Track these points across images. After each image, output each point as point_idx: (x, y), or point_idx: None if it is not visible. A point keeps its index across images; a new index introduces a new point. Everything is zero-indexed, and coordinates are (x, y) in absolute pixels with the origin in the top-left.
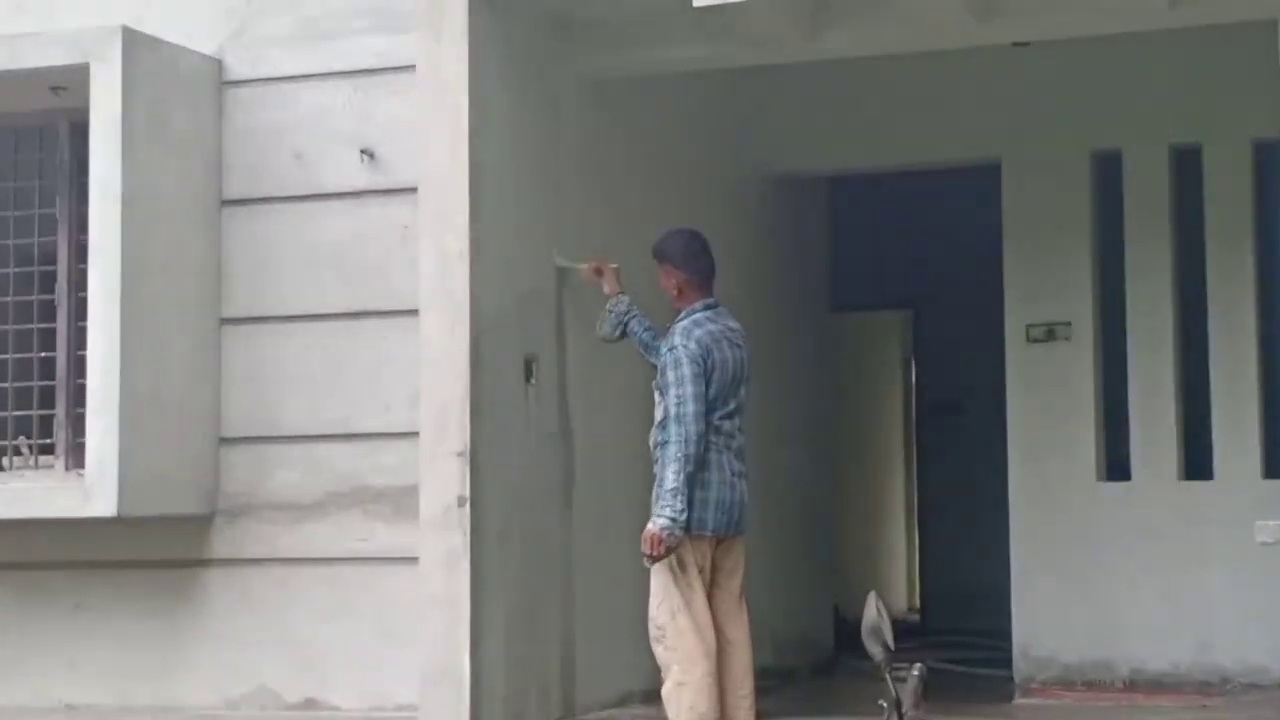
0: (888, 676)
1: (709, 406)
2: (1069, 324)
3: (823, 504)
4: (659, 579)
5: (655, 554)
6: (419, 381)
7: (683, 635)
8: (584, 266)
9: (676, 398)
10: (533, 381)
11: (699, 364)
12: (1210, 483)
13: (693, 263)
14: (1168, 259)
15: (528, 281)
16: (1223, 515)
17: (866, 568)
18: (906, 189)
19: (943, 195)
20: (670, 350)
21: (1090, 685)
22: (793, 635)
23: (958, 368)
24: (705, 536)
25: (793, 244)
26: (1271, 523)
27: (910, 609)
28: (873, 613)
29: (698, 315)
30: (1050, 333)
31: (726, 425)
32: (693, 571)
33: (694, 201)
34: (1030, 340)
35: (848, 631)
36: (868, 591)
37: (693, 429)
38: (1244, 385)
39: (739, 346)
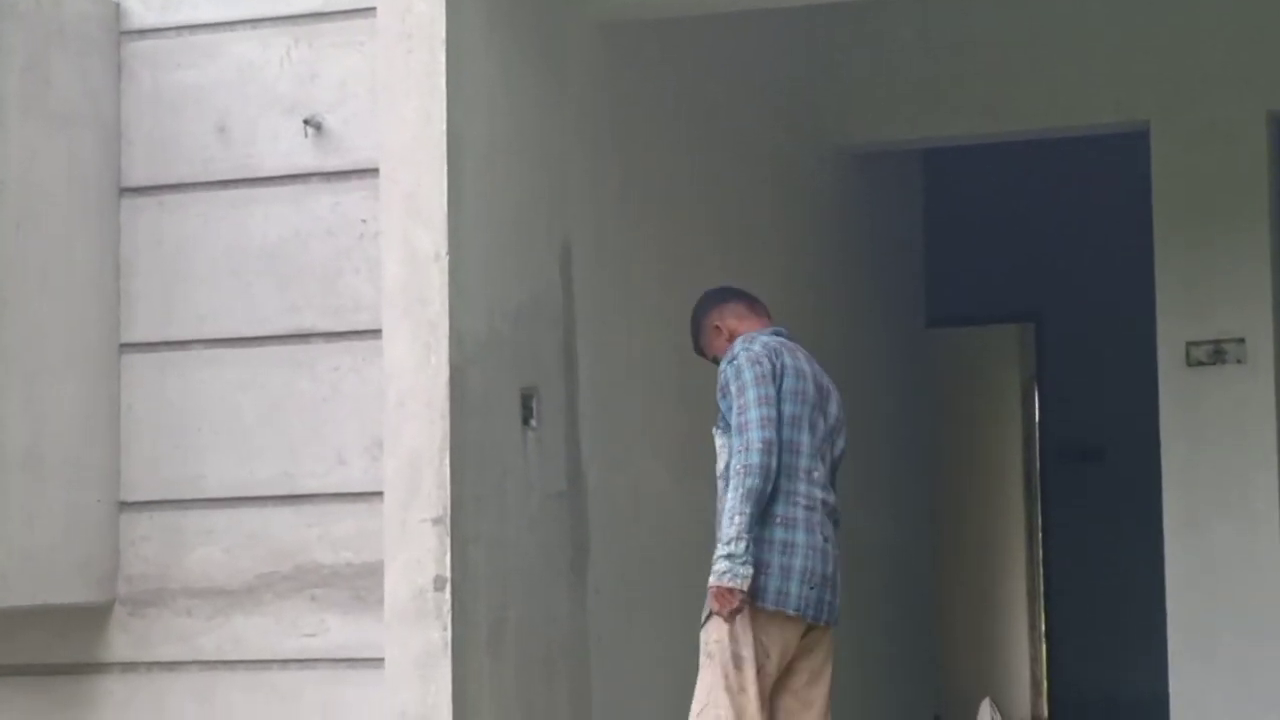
0: None
1: (784, 444)
2: (1242, 341)
3: (919, 582)
4: (706, 676)
5: (729, 609)
6: (383, 425)
7: None
8: None
9: (739, 409)
10: (533, 423)
11: (761, 364)
12: None
13: (733, 295)
14: None
15: (525, 290)
16: None
17: (977, 666)
18: (1025, 165)
19: (1072, 172)
20: (730, 362)
21: None
22: None
23: (1095, 400)
24: (785, 616)
25: (876, 238)
26: None
27: None
28: None
29: (759, 336)
30: (1218, 353)
31: (819, 473)
32: (749, 670)
33: (743, 184)
34: (1191, 363)
35: None
36: (980, 698)
37: (756, 435)
38: None
39: (824, 376)
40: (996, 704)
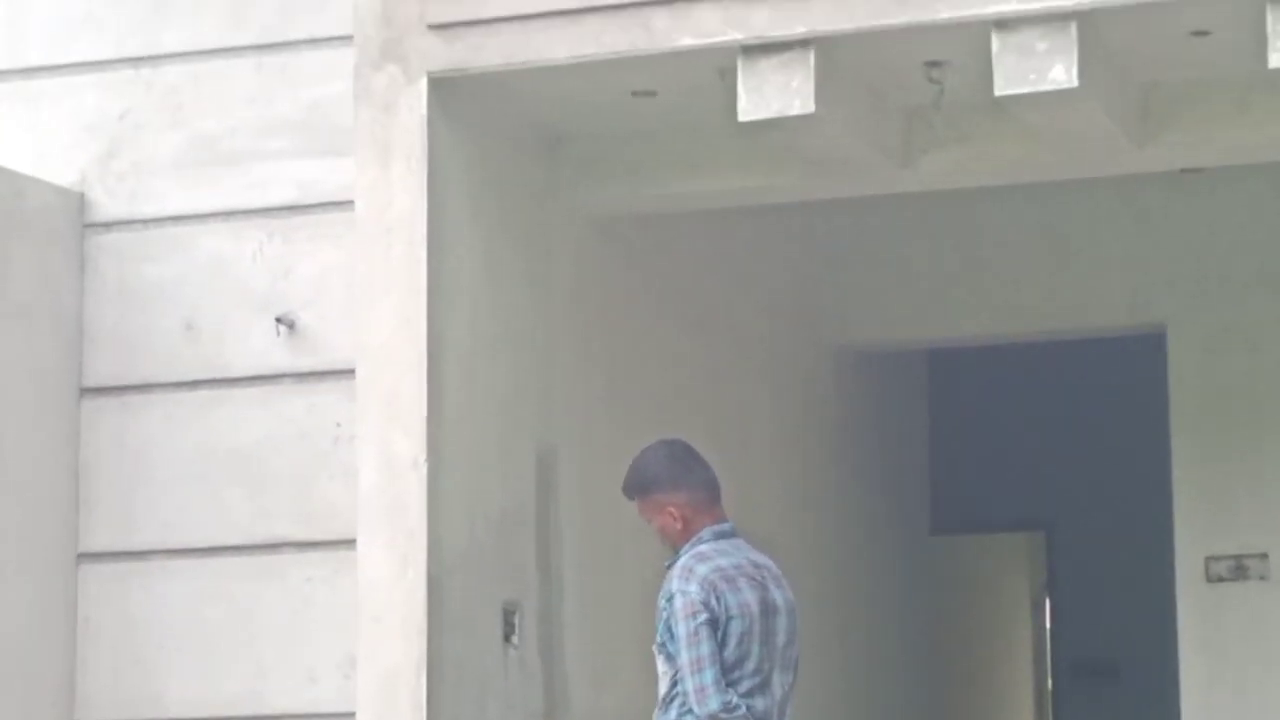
0: None
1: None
2: (1265, 556)
3: None
4: None
5: None
6: (357, 641)
7: None
8: None
9: (681, 666)
10: (515, 640)
11: (697, 617)
12: None
13: (687, 475)
14: None
15: (509, 496)
16: None
17: None
18: (1034, 368)
19: (1085, 376)
20: (669, 600)
21: None
22: None
23: (1109, 614)
24: None
25: (878, 442)
26: None
27: None
28: None
29: (702, 547)
30: (1240, 568)
31: (760, 705)
32: None
33: (738, 383)
34: (1212, 579)
35: None
36: None
37: (716, 703)
38: None
39: (769, 588)
40: None
